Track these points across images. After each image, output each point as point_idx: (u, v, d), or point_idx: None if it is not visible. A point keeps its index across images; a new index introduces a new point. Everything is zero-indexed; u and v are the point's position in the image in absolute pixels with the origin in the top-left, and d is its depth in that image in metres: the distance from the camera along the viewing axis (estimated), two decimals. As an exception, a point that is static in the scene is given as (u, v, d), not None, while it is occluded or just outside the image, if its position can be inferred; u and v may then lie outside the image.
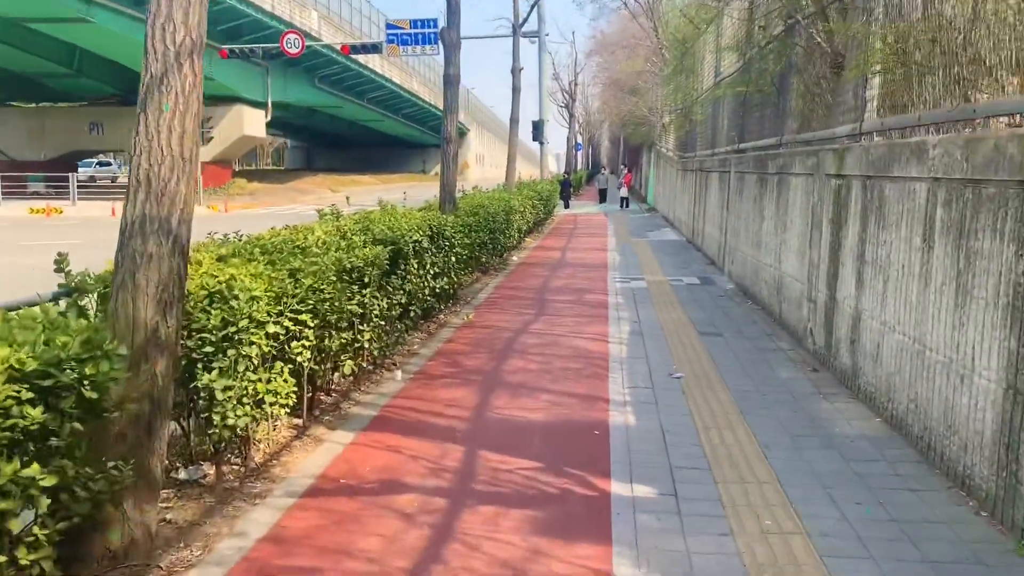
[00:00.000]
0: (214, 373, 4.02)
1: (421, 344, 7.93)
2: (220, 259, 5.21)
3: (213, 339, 4.02)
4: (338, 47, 34.59)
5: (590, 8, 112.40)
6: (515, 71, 18.57)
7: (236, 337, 4.14)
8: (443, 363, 7.13)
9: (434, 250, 8.56)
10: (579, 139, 61.10)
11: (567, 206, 34.15)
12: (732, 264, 11.99)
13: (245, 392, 4.27)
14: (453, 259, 9.28)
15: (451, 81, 11.08)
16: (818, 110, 7.79)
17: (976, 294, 4.11)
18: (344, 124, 72.88)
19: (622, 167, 39.00)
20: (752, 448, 4.88)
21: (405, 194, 16.72)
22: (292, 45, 31.13)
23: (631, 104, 36.59)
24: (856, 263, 6.06)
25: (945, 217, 4.50)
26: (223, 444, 4.30)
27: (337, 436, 5.19)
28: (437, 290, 8.65)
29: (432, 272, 8.43)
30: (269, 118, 43.77)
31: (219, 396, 4.02)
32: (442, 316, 9.33)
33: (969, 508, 4.00)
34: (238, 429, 4.25)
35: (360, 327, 6.08)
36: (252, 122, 42.22)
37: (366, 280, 6.07)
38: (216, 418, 4.08)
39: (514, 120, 18.71)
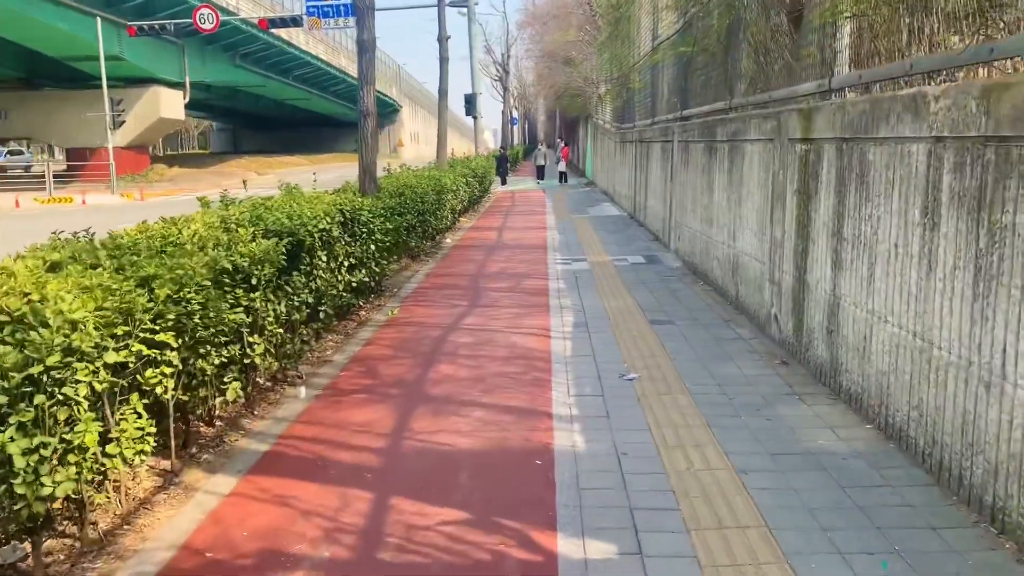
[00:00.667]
0: (9, 431, 2.93)
1: (336, 348, 6.89)
2: (52, 267, 4.10)
3: (6, 385, 2.93)
4: (255, 21, 32.61)
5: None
6: (441, 39, 17.39)
7: (47, 378, 3.06)
8: (358, 373, 6.10)
9: (348, 239, 7.49)
10: (515, 114, 59.94)
11: (504, 182, 33.14)
12: (679, 241, 11.17)
13: (70, 447, 3.19)
14: (373, 247, 8.22)
15: (365, 47, 9.93)
16: (774, 67, 6.93)
17: (1005, 281, 3.27)
18: (271, 104, 70.31)
19: (559, 141, 38.08)
20: (727, 475, 4.00)
21: (315, 176, 15.34)
22: (206, 20, 29.28)
23: (566, 76, 35.60)
24: (831, 240, 5.22)
25: (956, 185, 3.65)
26: (39, 520, 3.22)
27: (215, 483, 4.15)
28: (354, 284, 7.59)
29: (347, 264, 7.37)
30: (188, 99, 41.56)
31: (18, 463, 2.93)
32: (363, 312, 8.29)
33: (1009, 553, 3.17)
34: (59, 499, 3.19)
35: (251, 339, 5.01)
36: (169, 104, 40.00)
37: (255, 282, 5.00)
38: (22, 489, 3.00)
39: (443, 92, 17.56)
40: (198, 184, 39.31)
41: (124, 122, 35.11)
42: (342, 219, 7.35)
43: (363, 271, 7.87)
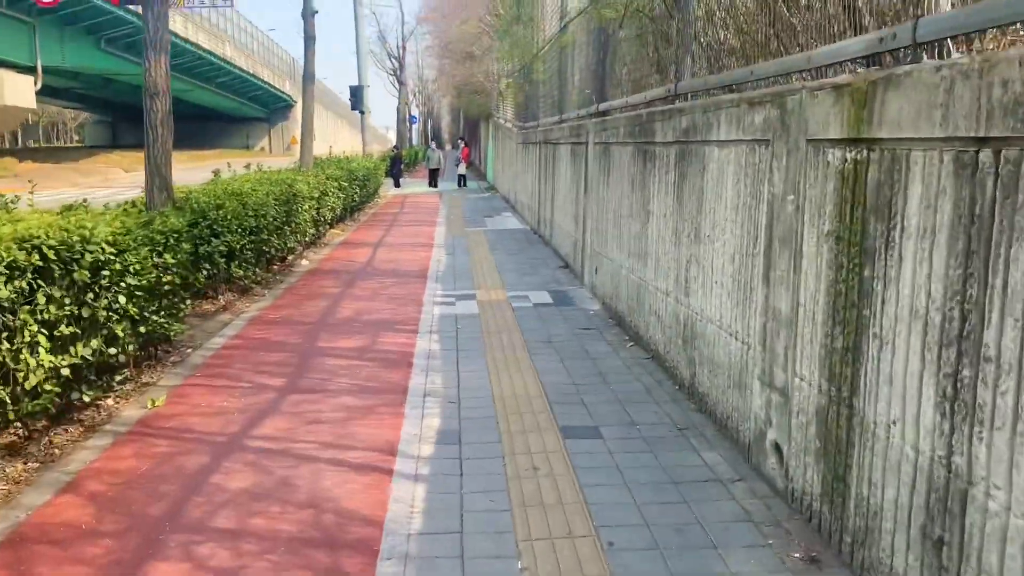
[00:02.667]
0: None
1: (25, 480, 3.82)
2: None
3: None
4: (106, -5, 28.43)
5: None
6: (307, 15, 14.28)
7: None
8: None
9: (60, 295, 4.40)
10: (415, 111, 56.73)
11: (397, 185, 30.06)
12: (596, 275, 8.45)
13: None
14: (123, 300, 5.12)
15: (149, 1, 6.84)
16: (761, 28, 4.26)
17: None
18: (150, 95, 64.79)
19: (459, 141, 35.18)
20: None
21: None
22: (44, -9, 25.05)
23: (465, 71, 32.75)
24: (941, 342, 2.52)
25: None
26: None
27: None
28: (66, 371, 4.50)
29: (46, 342, 4.28)
30: (39, 85, 36.58)
31: None
32: (108, 402, 5.20)
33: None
34: None
35: None
36: (15, 90, 35.00)
37: None
38: None
39: (308, 76, 14.44)
40: (49, 181, 34.46)
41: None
42: (41, 263, 4.27)
43: (94, 343, 4.78)
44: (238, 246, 8.53)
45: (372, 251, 12.72)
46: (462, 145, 32.48)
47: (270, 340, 6.93)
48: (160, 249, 6.06)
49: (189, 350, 6.67)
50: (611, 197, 7.62)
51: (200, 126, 75.83)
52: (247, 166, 12.16)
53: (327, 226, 15.41)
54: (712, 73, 5.25)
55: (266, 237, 9.50)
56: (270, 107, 76.55)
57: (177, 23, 48.33)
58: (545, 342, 6.64)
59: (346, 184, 16.51)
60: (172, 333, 6.30)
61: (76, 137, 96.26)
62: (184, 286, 6.58)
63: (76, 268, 4.57)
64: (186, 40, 48.77)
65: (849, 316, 3.06)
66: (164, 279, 5.99)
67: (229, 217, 8.31)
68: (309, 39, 14.32)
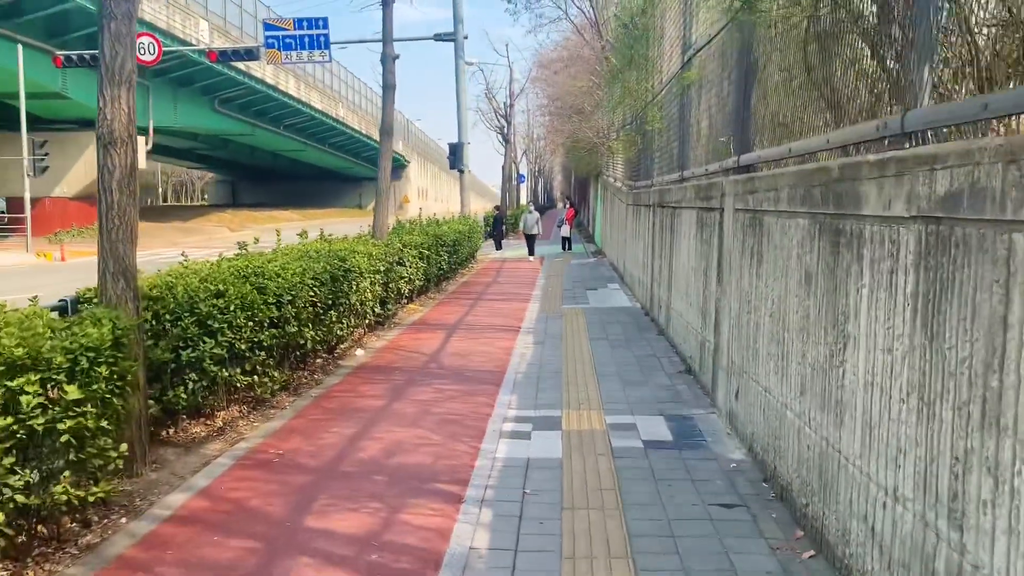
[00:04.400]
0: None
1: None
2: None
3: None
4: (205, 51, 28.08)
5: (526, 18, 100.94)
6: (386, 58, 12.43)
7: None
8: None
9: None
10: (520, 170, 55.32)
11: (499, 247, 28.05)
12: (738, 401, 5.81)
13: None
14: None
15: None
16: None
17: None
18: (267, 155, 66.34)
19: (566, 200, 33.04)
20: None
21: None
22: (146, 52, 24.69)
23: (574, 126, 30.74)
24: None
25: None
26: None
27: None
28: None
29: None
30: (151, 145, 36.91)
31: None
32: None
33: None
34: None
35: None
36: (127, 150, 35.28)
37: None
38: None
39: (385, 130, 12.55)
40: (151, 240, 34.41)
41: (47, 168, 30.41)
42: None
43: None
44: (246, 345, 6.40)
45: (445, 337, 10.44)
46: (568, 206, 30.28)
47: (244, 506, 4.64)
48: (59, 376, 3.91)
49: (123, 519, 4.47)
50: (765, 293, 5.03)
51: (318, 185, 77.17)
52: (300, 233, 10.18)
53: (403, 300, 13.33)
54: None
55: (296, 329, 7.35)
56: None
57: (291, 84, 48.91)
58: (661, 533, 4.07)
59: (429, 252, 14.44)
60: (92, 497, 4.11)
61: (204, 197, 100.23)
62: (120, 417, 4.41)
63: None
64: (297, 100, 49.19)
65: None
66: (65, 423, 3.83)
67: (232, 308, 6.19)
68: (387, 88, 12.47)
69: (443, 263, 16.19)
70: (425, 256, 14.08)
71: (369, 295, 10.16)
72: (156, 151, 49.76)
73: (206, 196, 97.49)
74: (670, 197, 9.58)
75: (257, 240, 8.63)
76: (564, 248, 27.35)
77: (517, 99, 39.17)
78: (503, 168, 35.21)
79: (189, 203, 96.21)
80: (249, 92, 43.39)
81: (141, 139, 35.49)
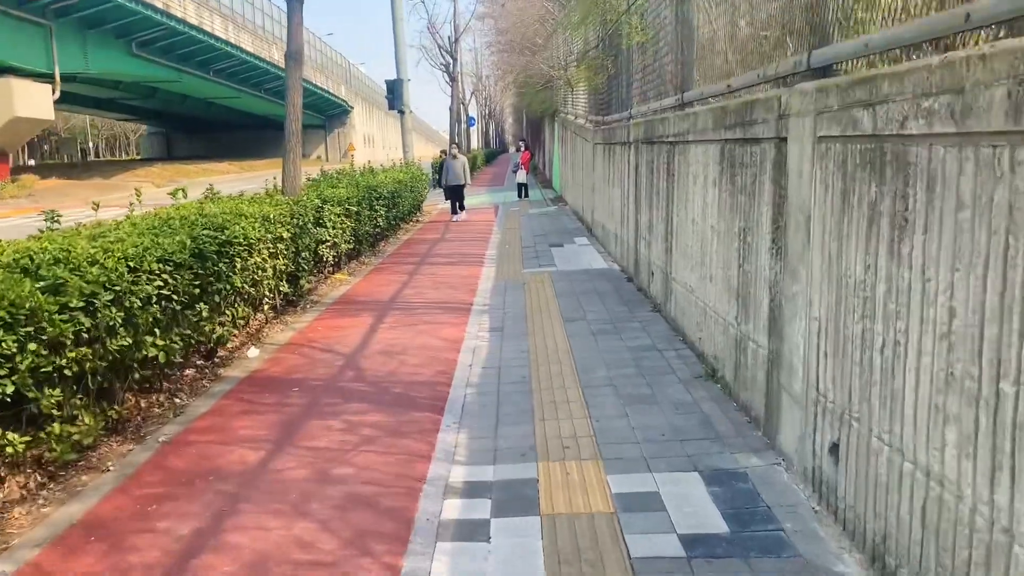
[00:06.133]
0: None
1: None
2: None
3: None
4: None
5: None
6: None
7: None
8: None
9: None
10: (473, 113, 52.21)
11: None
12: (837, 458, 3.48)
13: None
14: None
15: None
16: None
17: None
18: (200, 104, 61.98)
19: (519, 143, 30.36)
20: None
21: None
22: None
23: (526, 61, 27.92)
24: None
25: None
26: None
27: None
28: None
29: None
30: (58, 94, 33.14)
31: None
32: None
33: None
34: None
35: None
36: (28, 100, 31.50)
37: None
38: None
39: (292, 56, 9.81)
40: (68, 200, 30.93)
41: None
42: None
43: None
44: (29, 381, 3.89)
45: (374, 322, 7.97)
46: (523, 148, 27.65)
47: None
48: None
49: None
50: (923, 290, 2.65)
51: (258, 135, 72.73)
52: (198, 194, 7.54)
53: (328, 269, 10.78)
54: None
55: (131, 341, 4.83)
56: (325, 113, 73.30)
57: (217, 25, 44.92)
58: None
59: (359, 208, 11.84)
60: None
61: (138, 151, 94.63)
62: None
63: None
64: (226, 43, 45.27)
65: None
66: None
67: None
68: (292, 1, 9.73)
69: (379, 220, 13.60)
70: (353, 213, 11.49)
71: (269, 272, 7.62)
72: (69, 100, 45.60)
73: (140, 151, 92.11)
74: (666, 129, 7.14)
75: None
76: (520, 195, 24.81)
77: (463, 35, 36.04)
78: (451, 109, 32.25)
79: (122, 158, 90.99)
80: (170, 33, 39.50)
81: (45, 87, 31.76)
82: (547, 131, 33.02)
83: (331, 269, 10.96)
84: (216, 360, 6.63)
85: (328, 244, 10.33)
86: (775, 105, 4.15)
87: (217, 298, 6.31)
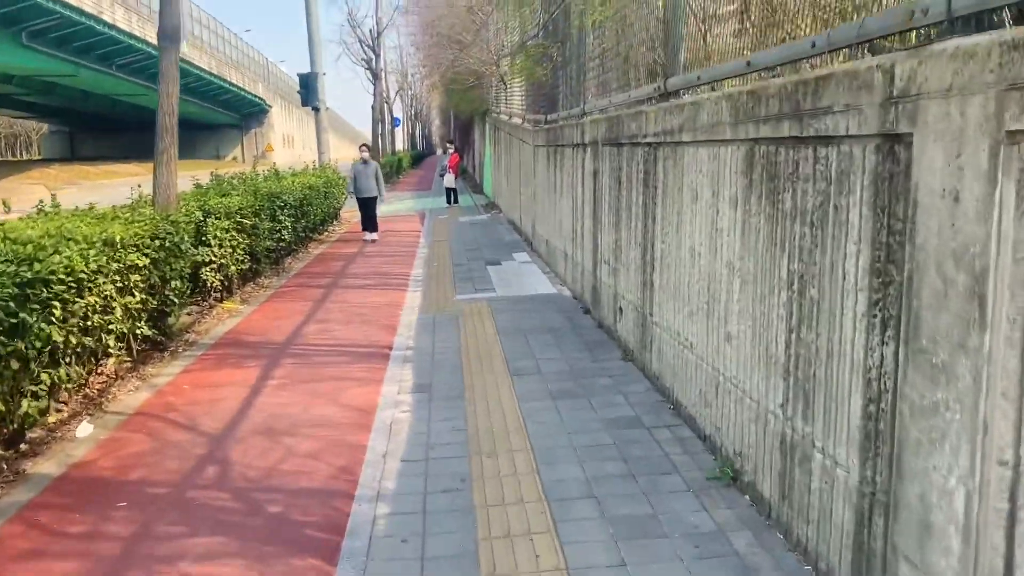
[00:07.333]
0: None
1: None
2: None
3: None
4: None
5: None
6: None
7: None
8: None
9: None
10: (394, 113, 50.06)
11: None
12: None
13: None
14: None
15: None
16: None
17: None
18: (105, 101, 57.95)
19: (448, 145, 28.51)
20: None
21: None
22: None
23: (454, 55, 26.09)
24: None
25: None
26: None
27: None
28: None
29: None
30: (-67, 87, 29.79)
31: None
32: None
33: None
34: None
35: None
36: None
37: None
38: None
39: (166, 34, 7.78)
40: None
41: None
42: None
43: None
44: None
45: (258, 381, 6.06)
46: (451, 151, 25.84)
47: None
48: None
49: None
50: None
51: (167, 135, 68.67)
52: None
53: (216, 297, 8.80)
54: None
55: None
56: (242, 112, 70.02)
57: (119, 15, 41.71)
58: None
59: (256, 220, 9.85)
60: None
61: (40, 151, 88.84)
62: None
63: None
64: (127, 34, 42.06)
65: None
66: None
67: None
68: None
69: (284, 233, 11.60)
70: (248, 227, 9.50)
71: (118, 312, 5.66)
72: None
73: (39, 151, 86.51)
74: (641, 127, 5.46)
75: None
76: (449, 201, 22.98)
77: (386, 30, 34.00)
78: (373, 108, 30.18)
79: (21, 158, 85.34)
80: (66, 23, 36.32)
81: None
82: (477, 132, 31.28)
83: (220, 295, 8.97)
84: (21, 449, 4.66)
85: (213, 267, 8.36)
86: (876, 80, 2.50)
87: (15, 362, 4.35)
